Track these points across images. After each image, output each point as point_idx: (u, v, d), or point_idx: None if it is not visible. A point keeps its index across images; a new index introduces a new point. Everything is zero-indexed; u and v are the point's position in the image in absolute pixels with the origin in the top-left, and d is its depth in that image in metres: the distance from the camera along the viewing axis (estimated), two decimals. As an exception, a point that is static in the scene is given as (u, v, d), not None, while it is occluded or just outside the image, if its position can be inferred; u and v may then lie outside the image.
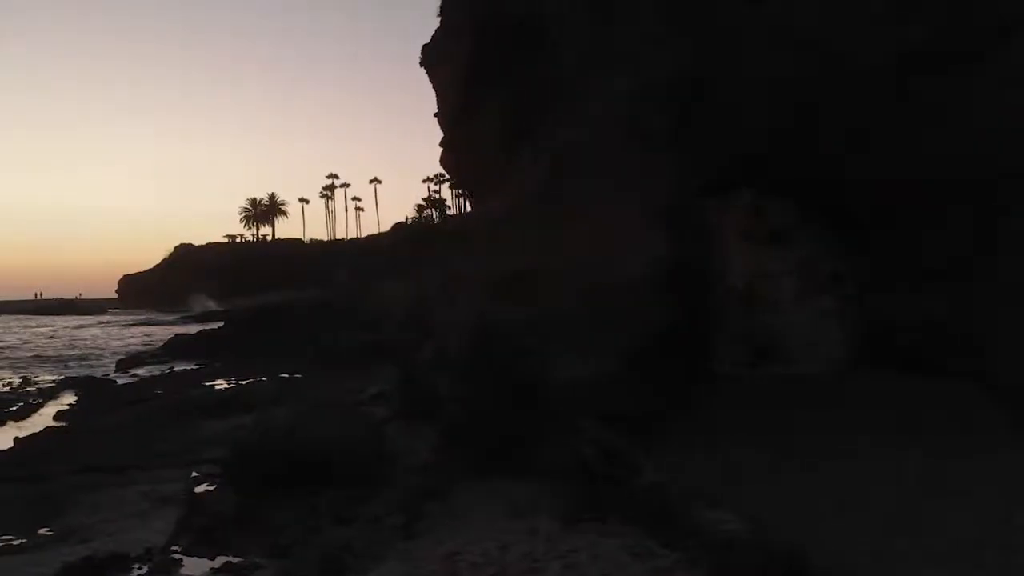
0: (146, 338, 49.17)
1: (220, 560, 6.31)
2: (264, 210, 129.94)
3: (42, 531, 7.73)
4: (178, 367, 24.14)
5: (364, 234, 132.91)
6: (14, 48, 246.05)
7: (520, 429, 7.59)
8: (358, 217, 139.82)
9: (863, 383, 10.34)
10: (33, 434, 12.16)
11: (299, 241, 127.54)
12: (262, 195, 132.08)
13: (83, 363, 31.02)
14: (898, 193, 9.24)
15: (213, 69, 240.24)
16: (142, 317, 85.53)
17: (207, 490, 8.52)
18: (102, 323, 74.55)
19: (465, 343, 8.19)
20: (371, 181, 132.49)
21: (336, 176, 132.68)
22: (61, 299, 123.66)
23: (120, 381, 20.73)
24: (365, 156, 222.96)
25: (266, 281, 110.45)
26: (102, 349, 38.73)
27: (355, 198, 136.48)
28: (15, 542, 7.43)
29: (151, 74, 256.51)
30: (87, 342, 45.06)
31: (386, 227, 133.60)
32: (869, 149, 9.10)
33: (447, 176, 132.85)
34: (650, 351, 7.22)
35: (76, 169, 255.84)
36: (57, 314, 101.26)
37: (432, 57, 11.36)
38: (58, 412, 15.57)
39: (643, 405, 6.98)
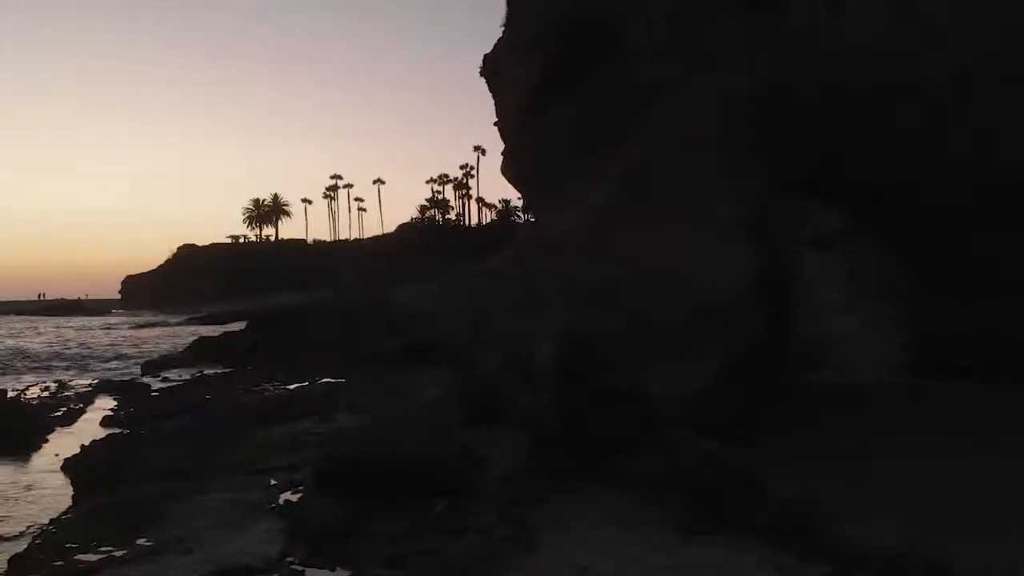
0: (158, 341, 49.15)
1: (341, 572, 6.35)
2: (267, 211, 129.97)
3: (140, 541, 7.75)
4: (207, 371, 24.16)
5: (367, 235, 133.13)
6: (15, 46, 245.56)
7: (613, 439, 7.66)
8: (360, 218, 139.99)
9: (935, 389, 10.48)
10: (97, 441, 12.19)
11: (302, 242, 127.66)
12: (264, 196, 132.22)
13: (105, 366, 31.02)
14: (974, 197, 9.34)
15: (215, 69, 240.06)
16: (151, 319, 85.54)
17: (300, 499, 8.54)
18: (109, 325, 74.34)
19: (554, 352, 8.25)
20: (375, 182, 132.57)
21: (340, 177, 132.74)
22: (64, 300, 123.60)
23: (154, 385, 20.79)
24: (368, 157, 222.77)
25: (270, 282, 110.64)
26: (119, 352, 38.74)
27: (357, 199, 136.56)
28: (117, 553, 7.47)
29: (152, 74, 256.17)
30: (101, 344, 45.03)
31: (390, 228, 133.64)
32: (944, 153, 9.20)
33: (450, 177, 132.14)
34: (745, 361, 7.30)
35: (76, 169, 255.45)
36: (61, 315, 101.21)
37: (496, 67, 11.41)
38: (104, 418, 15.59)
39: (743, 415, 7.05)
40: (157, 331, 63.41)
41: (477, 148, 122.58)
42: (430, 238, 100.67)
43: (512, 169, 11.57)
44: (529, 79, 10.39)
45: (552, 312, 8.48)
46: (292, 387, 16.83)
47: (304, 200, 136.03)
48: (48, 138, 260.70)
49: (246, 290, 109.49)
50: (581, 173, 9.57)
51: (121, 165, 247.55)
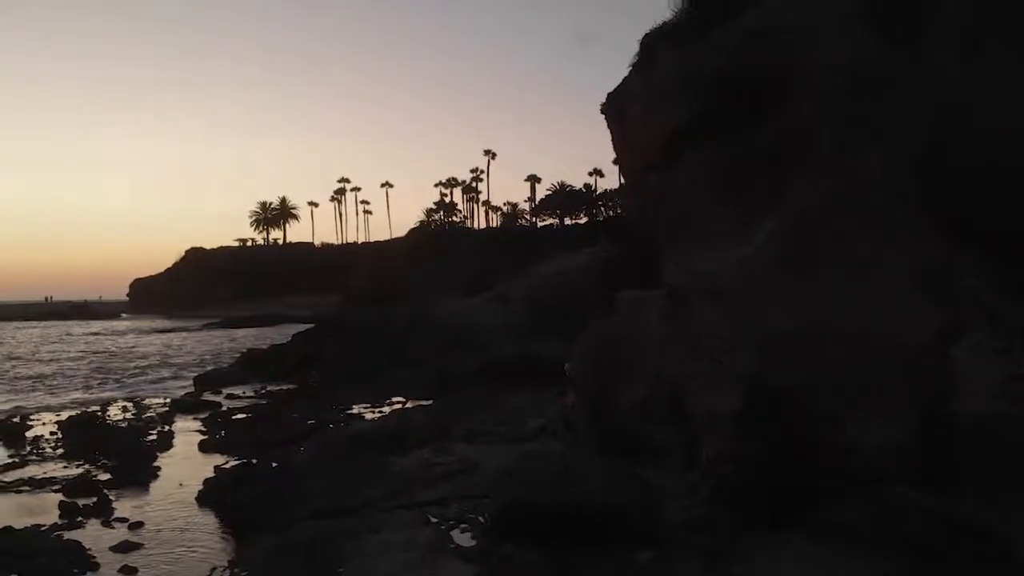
0: (190, 348, 49.06)
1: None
2: (274, 213, 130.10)
3: (341, 587, 7.90)
4: (271, 387, 24.21)
5: (373, 238, 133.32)
6: (23, 47, 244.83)
7: (804, 489, 7.83)
8: (367, 221, 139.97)
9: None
10: (225, 473, 12.29)
11: (310, 245, 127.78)
12: (269, 198, 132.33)
13: (146, 380, 30.99)
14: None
15: (217, 70, 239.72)
16: (168, 323, 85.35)
17: (481, 543, 8.66)
18: (126, 331, 73.95)
19: (737, 401, 8.41)
20: (383, 185, 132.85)
21: (347, 180, 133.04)
22: (71, 302, 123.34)
23: (224, 405, 20.86)
24: (376, 160, 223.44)
25: (280, 285, 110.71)
26: (153, 362, 38.66)
27: (364, 201, 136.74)
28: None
29: (153, 75, 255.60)
30: (133, 354, 44.98)
31: (397, 231, 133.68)
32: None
33: (458, 180, 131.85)
34: (942, 412, 7.47)
35: (78, 169, 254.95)
36: (69, 319, 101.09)
37: (623, 107, 11.57)
38: (201, 443, 15.67)
39: (950, 466, 7.22)
40: (180, 337, 63.29)
41: (488, 152, 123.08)
42: (442, 241, 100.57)
43: (639, 206, 11.74)
44: (668, 124, 10.55)
45: (731, 360, 8.66)
46: (387, 411, 16.93)
47: (311, 203, 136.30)
48: (49, 138, 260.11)
49: (257, 293, 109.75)
50: (731, 218, 9.72)
51: (125, 166, 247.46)
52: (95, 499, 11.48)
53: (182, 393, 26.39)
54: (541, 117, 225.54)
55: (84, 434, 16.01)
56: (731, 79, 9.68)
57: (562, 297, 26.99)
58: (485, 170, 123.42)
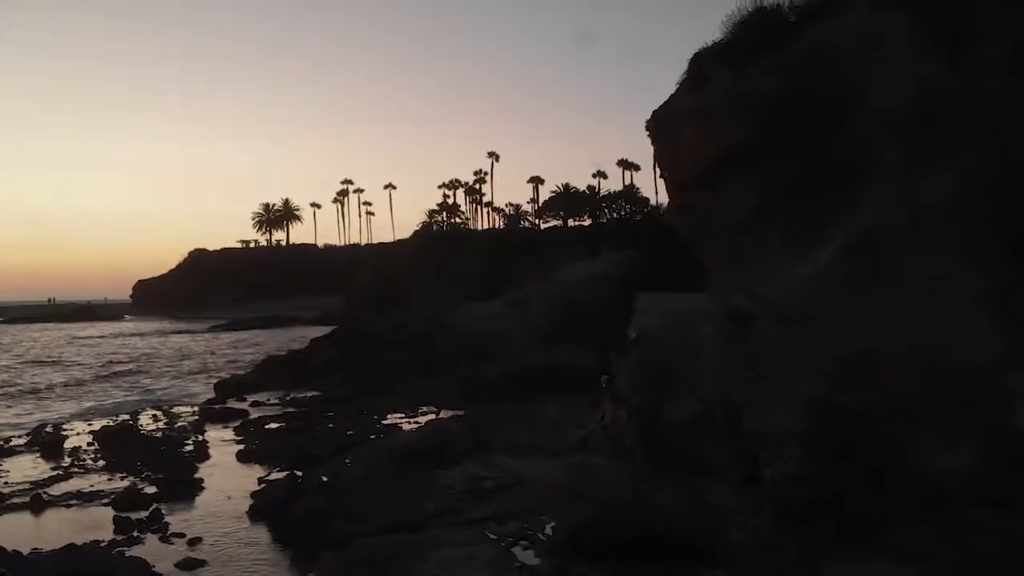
0: (199, 351, 49.06)
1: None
2: (278, 215, 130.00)
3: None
4: (296, 394, 24.24)
5: (375, 239, 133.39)
6: (23, 47, 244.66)
7: (874, 511, 7.92)
8: (369, 222, 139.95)
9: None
10: (273, 486, 12.35)
11: (313, 246, 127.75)
12: (272, 200, 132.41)
13: (165, 386, 31.00)
14: None
15: (222, 73, 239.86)
16: (173, 326, 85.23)
17: (549, 561, 8.74)
18: (127, 334, 73.78)
19: (803, 424, 8.49)
20: (386, 187, 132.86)
21: (351, 182, 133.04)
22: (75, 304, 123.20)
23: (252, 413, 20.90)
24: (378, 161, 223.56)
25: (284, 286, 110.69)
26: (168, 367, 38.68)
27: (366, 203, 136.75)
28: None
29: (156, 77, 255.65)
30: (143, 357, 45.00)
31: (401, 232, 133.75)
32: None
33: (461, 182, 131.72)
34: (1009, 435, 7.57)
35: (82, 170, 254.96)
36: (74, 321, 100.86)
37: (669, 125, 11.65)
38: (239, 453, 15.73)
39: (1018, 489, 7.31)
40: (188, 339, 63.26)
41: (491, 154, 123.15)
42: (447, 243, 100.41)
43: (686, 221, 11.82)
44: (720, 144, 10.64)
45: (796, 381, 8.74)
46: (420, 421, 17.01)
47: (313, 204, 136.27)
48: (51, 139, 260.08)
49: (260, 295, 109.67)
50: (789, 238, 9.82)
51: (127, 168, 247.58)
52: (146, 513, 11.56)
53: (204, 399, 26.46)
54: (543, 118, 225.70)
55: (120, 445, 16.06)
56: (788, 102, 9.79)
57: (582, 305, 27.09)
58: (489, 172, 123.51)
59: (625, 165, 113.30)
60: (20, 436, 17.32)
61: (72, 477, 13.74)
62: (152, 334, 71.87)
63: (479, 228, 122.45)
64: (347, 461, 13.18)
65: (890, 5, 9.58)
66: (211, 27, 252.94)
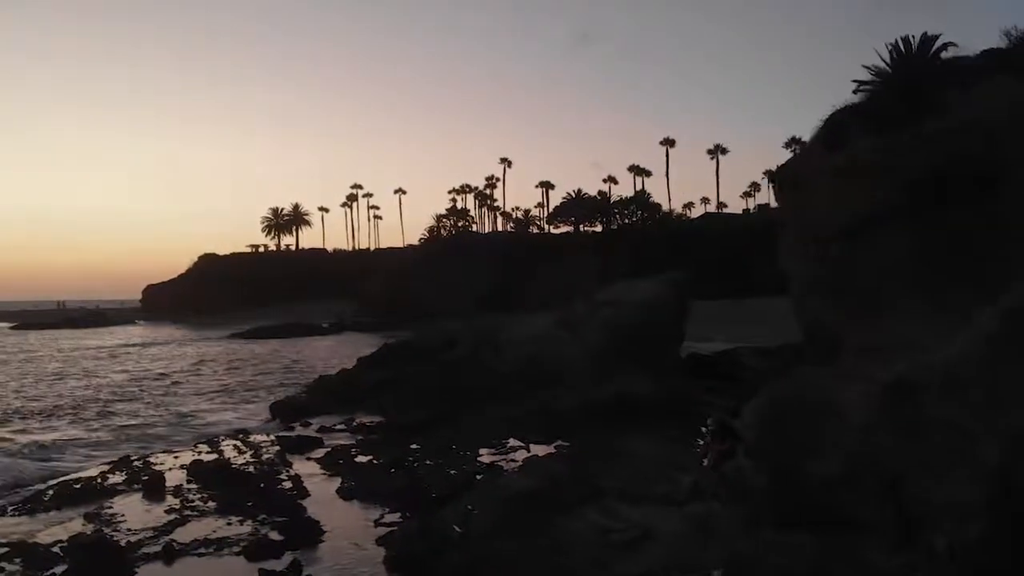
0: (234, 363, 48.90)
1: None
2: (286, 220, 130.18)
3: None
4: (361, 419, 24.29)
5: (383, 244, 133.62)
6: (23, 47, 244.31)
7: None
8: (377, 227, 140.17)
9: None
10: (405, 534, 12.43)
11: (323, 251, 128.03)
12: (279, 204, 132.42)
13: (207, 407, 30.97)
14: None
15: (226, 76, 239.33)
16: (191, 334, 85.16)
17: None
18: (147, 342, 73.66)
19: (985, 496, 8.64)
20: (396, 191, 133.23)
21: (360, 187, 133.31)
22: (85, 308, 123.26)
23: (325, 440, 21.00)
24: (386, 166, 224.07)
25: (295, 292, 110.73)
26: (206, 383, 38.64)
27: (373, 207, 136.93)
28: None
29: (158, 78, 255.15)
30: (178, 372, 45.00)
31: (410, 238, 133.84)
32: None
33: (471, 187, 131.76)
34: None
35: (84, 171, 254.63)
36: (85, 327, 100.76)
37: (798, 180, 11.83)
38: (340, 490, 15.76)
39: None
40: (211, 349, 63.27)
41: (504, 160, 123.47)
42: (458, 248, 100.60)
43: (817, 274, 11.96)
44: (863, 202, 10.80)
45: (970, 451, 8.89)
46: (515, 458, 17.13)
47: (321, 208, 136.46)
48: (52, 139, 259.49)
49: (270, 300, 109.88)
50: (942, 303, 9.98)
51: (133, 170, 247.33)
52: (285, 564, 11.63)
53: (258, 421, 26.58)
54: (553, 123, 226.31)
55: (220, 481, 16.16)
56: (938, 169, 9.97)
57: (637, 329, 27.23)
58: (501, 178, 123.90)
59: (637, 171, 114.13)
60: (114, 472, 17.41)
61: (189, 521, 13.82)
62: (170, 342, 71.94)
63: (489, 233, 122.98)
64: (470, 508, 13.26)
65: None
66: (224, 31, 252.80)
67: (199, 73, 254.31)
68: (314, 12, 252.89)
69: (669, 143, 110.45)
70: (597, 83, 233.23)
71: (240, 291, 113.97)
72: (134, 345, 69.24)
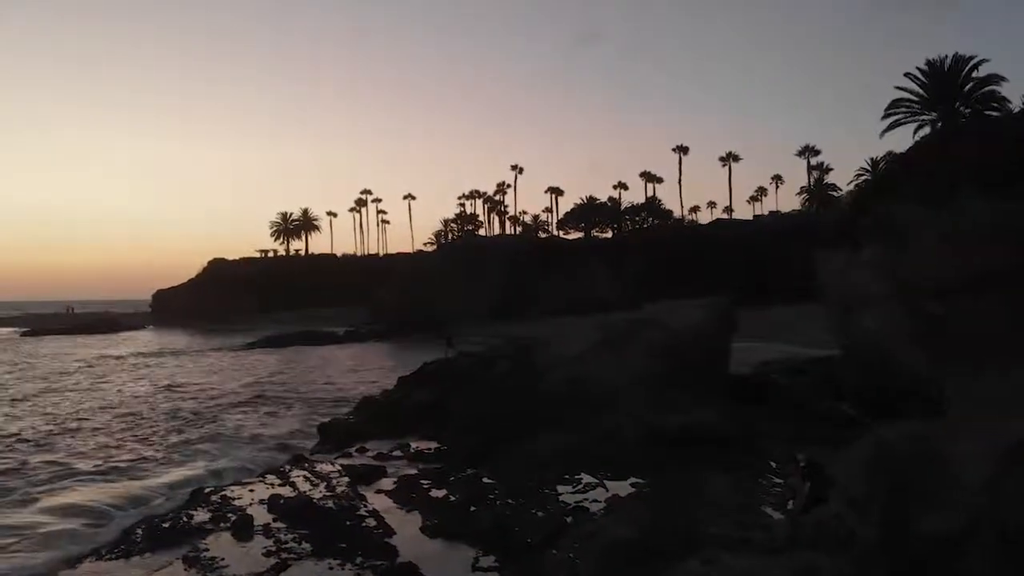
0: (265, 377, 48.85)
1: None
2: (296, 225, 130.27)
3: None
4: (416, 445, 24.33)
5: (392, 250, 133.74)
6: (23, 46, 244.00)
7: None
8: (386, 232, 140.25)
9: None
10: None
11: (333, 256, 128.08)
12: (287, 209, 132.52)
13: (248, 422, 31.17)
14: None
15: (229, 79, 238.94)
16: (204, 341, 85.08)
17: None
18: (164, 352, 73.49)
19: None
20: (405, 197, 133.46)
21: (369, 192, 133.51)
22: (95, 313, 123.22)
23: (387, 468, 21.06)
24: (395, 171, 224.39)
25: (306, 298, 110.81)
26: (238, 398, 38.74)
27: (381, 211, 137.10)
28: None
29: (161, 79, 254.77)
30: (207, 386, 45.05)
31: (420, 243, 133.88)
32: None
33: (480, 193, 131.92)
34: None
35: (87, 171, 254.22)
36: (96, 332, 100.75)
37: (907, 228, 12.00)
38: (424, 529, 15.82)
39: None
40: (231, 360, 63.26)
41: (515, 167, 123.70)
42: (471, 254, 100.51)
43: (915, 327, 12.15)
44: (972, 259, 10.97)
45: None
46: (596, 497, 17.24)
47: (330, 213, 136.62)
48: (54, 139, 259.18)
49: (282, 305, 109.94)
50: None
51: (139, 173, 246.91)
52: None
53: (311, 445, 26.72)
54: (562, 129, 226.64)
55: (304, 519, 16.26)
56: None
57: (688, 354, 27.34)
58: (512, 184, 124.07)
59: (648, 177, 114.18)
60: (195, 508, 17.51)
61: (290, 565, 13.90)
62: (188, 352, 71.87)
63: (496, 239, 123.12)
64: (572, 556, 13.37)
65: None
66: (235, 35, 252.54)
67: (200, 74, 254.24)
68: (323, 16, 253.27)
69: (682, 150, 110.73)
70: (605, 86, 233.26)
71: (251, 297, 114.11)
72: (152, 354, 69.25)
